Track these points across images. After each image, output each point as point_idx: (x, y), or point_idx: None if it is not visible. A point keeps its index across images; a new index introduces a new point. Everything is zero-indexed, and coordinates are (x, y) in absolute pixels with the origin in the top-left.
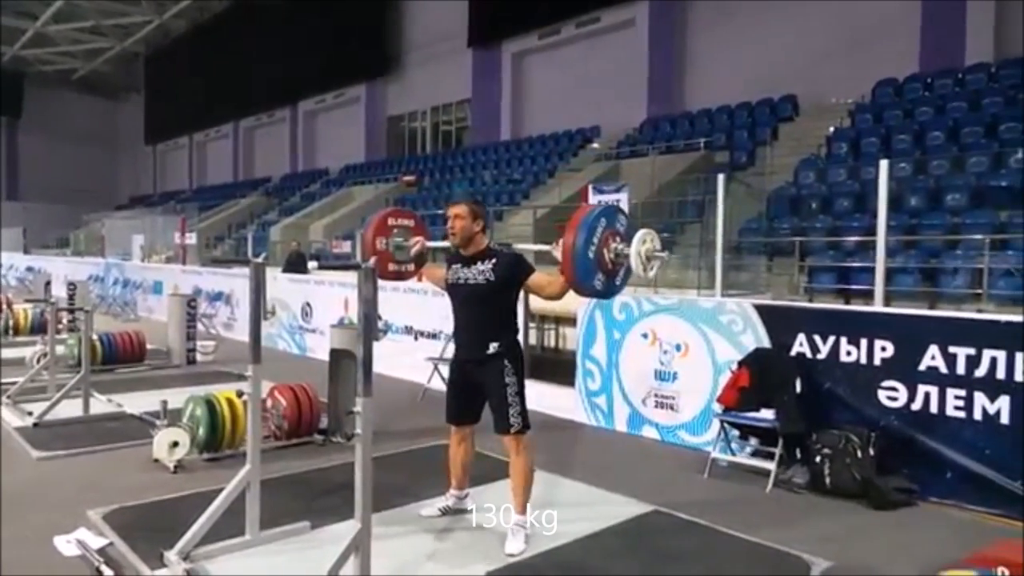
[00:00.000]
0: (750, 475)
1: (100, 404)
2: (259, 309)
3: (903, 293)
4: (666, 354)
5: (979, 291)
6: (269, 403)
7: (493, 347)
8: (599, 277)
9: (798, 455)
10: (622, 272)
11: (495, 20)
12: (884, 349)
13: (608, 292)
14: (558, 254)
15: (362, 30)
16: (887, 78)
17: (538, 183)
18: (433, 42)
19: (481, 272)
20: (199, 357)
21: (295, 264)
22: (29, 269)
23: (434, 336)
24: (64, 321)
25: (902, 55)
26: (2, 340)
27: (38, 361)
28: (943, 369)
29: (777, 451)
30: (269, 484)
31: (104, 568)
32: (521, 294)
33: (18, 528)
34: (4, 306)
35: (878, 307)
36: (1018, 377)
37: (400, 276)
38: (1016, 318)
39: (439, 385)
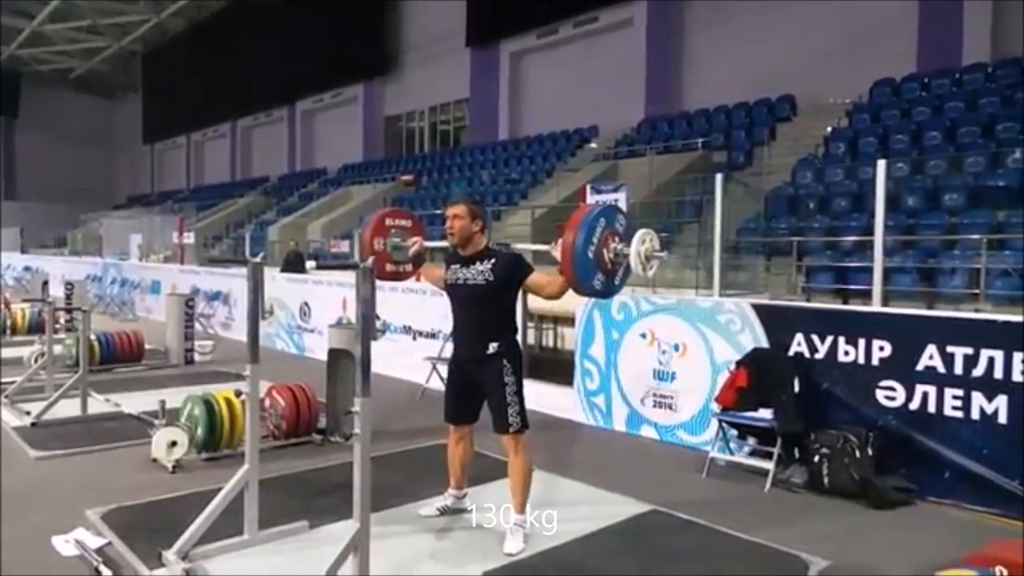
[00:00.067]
0: (748, 475)
1: (98, 404)
2: (257, 309)
3: (901, 293)
4: (664, 354)
5: (976, 291)
6: (267, 403)
7: (493, 347)
8: (599, 277)
9: (796, 455)
10: (621, 272)
11: (493, 20)
12: (882, 349)
13: (607, 292)
14: (557, 254)
15: (360, 30)
16: (884, 78)
17: (536, 183)
18: (431, 42)
19: (480, 272)
20: (197, 357)
21: (293, 264)
22: (27, 269)
23: (432, 336)
24: (62, 321)
25: (899, 55)
26: (0, 340)
27: (36, 361)
28: (941, 369)
29: (775, 451)
30: (267, 484)
31: (102, 568)
32: (520, 294)
33: (16, 528)
34: (2, 306)
35: (876, 307)
36: (1016, 377)
37: (398, 276)
38: (1014, 318)
39: (438, 385)
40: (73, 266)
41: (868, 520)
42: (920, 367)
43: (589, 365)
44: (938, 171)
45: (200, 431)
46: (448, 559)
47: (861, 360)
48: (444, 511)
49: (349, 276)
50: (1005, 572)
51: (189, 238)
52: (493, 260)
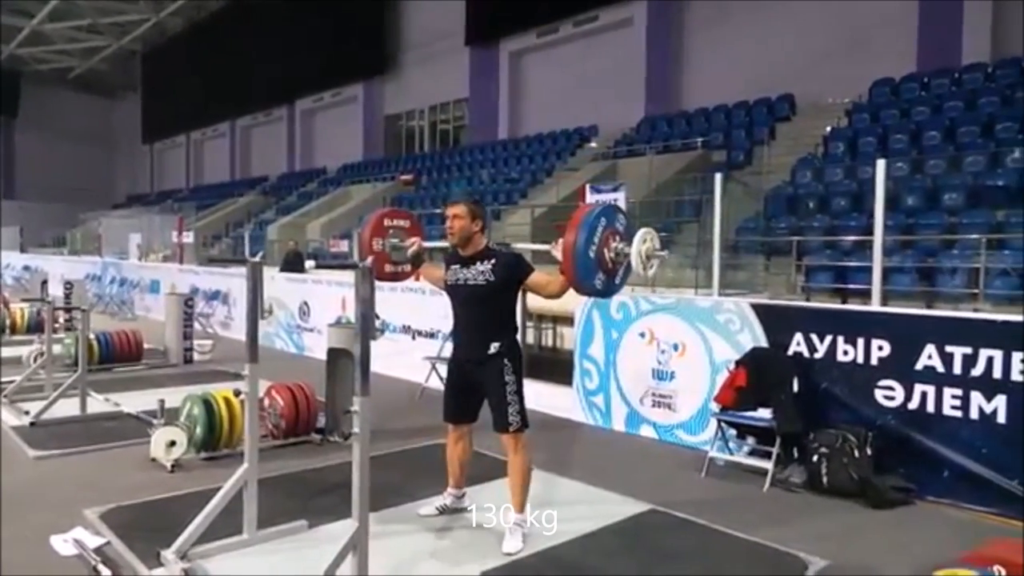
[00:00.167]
0: (747, 474)
1: (97, 403)
2: (256, 308)
3: (900, 292)
4: (664, 353)
5: (976, 290)
6: (266, 402)
7: (494, 347)
8: (599, 276)
9: (795, 454)
10: (622, 271)
11: (493, 19)
12: (881, 348)
13: (608, 291)
14: (557, 253)
15: (360, 29)
16: (884, 78)
17: (536, 182)
18: (431, 41)
19: (481, 273)
20: (196, 356)
21: (292, 263)
22: (26, 268)
23: (432, 335)
24: (61, 320)
25: (899, 55)
26: None
27: (35, 360)
28: (940, 368)
29: (774, 450)
30: (266, 483)
31: (101, 567)
32: (519, 293)
33: (15, 528)
34: (1, 305)
35: (875, 306)
36: (1015, 376)
37: (397, 277)
38: (1013, 317)
39: (437, 384)
40: (72, 265)
41: (867, 520)
42: (919, 367)
43: (588, 365)
44: (937, 171)
45: (199, 430)
46: (447, 558)
47: (860, 360)
48: (443, 510)
49: (348, 276)
50: (1003, 571)
51: (188, 237)
52: (493, 260)
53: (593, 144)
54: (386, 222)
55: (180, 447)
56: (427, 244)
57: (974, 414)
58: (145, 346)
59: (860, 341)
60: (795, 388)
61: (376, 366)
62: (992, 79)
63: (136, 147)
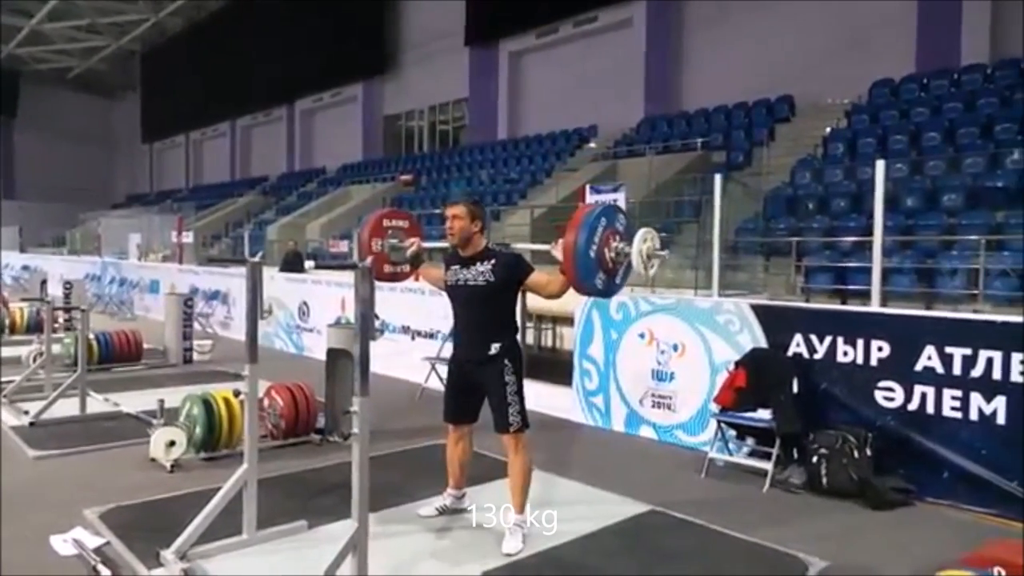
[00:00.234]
0: (747, 475)
1: (97, 403)
2: (256, 308)
3: (899, 293)
4: (663, 354)
5: (975, 291)
6: (266, 402)
7: (494, 348)
8: (600, 276)
9: (795, 455)
10: (622, 271)
11: (493, 19)
12: (881, 349)
13: (608, 291)
14: (558, 253)
15: (359, 29)
16: (883, 79)
17: (535, 183)
18: (430, 41)
19: (481, 273)
20: (196, 356)
21: (292, 263)
22: (25, 268)
23: (431, 336)
24: (60, 320)
25: (898, 56)
26: None
27: (34, 360)
28: (939, 369)
29: (774, 451)
30: (266, 483)
31: (101, 567)
32: (519, 293)
33: (15, 528)
34: (0, 305)
35: (875, 307)
36: (1014, 377)
37: (396, 277)
38: (1012, 318)
39: (436, 385)
40: (72, 265)
41: (866, 520)
42: (919, 368)
43: (588, 365)
44: (937, 172)
45: (199, 431)
46: (447, 559)
47: (860, 360)
48: (443, 511)
49: (348, 276)
50: (1003, 573)
51: (188, 237)
52: (493, 260)
53: (593, 144)
54: (385, 222)
55: (180, 447)
56: (426, 244)
57: (974, 415)
58: (145, 346)
59: (860, 342)
60: (795, 389)
61: (376, 366)
62: (991, 80)
63: (135, 147)
